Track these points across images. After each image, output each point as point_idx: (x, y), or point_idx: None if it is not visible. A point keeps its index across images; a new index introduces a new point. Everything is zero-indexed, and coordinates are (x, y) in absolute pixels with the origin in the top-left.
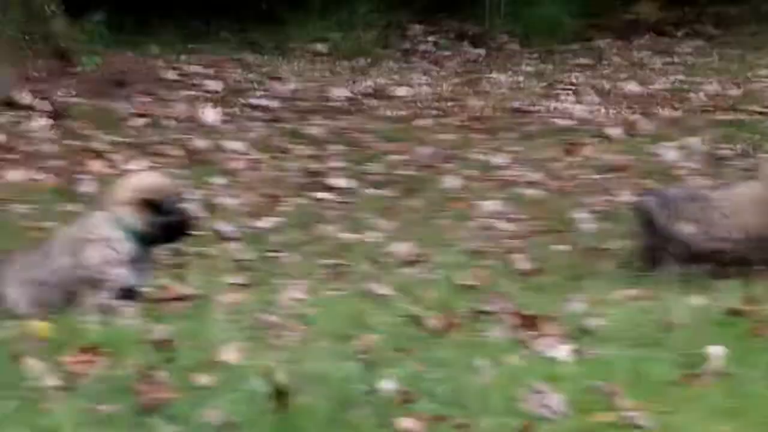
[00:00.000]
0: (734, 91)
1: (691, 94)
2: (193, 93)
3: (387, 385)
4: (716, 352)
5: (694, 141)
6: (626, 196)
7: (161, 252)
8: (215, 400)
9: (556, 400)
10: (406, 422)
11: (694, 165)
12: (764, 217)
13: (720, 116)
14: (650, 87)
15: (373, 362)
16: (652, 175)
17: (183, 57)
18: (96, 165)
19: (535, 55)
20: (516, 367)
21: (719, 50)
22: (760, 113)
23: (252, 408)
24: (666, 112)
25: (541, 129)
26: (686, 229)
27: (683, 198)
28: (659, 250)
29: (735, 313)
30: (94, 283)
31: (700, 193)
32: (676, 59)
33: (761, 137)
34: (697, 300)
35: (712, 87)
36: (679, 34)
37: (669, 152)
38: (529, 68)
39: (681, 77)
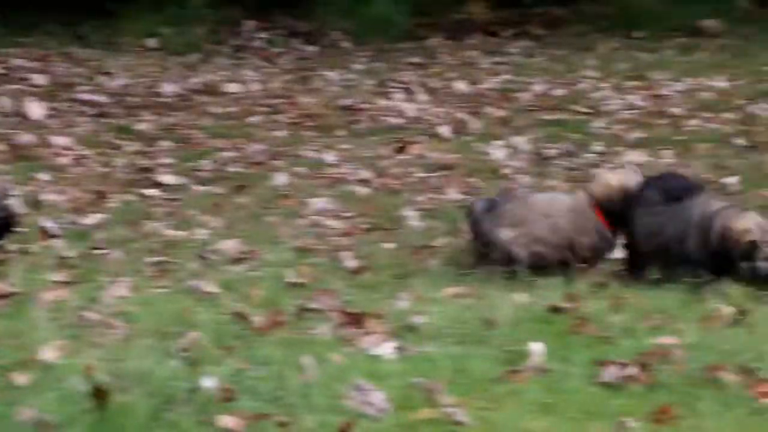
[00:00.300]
0: (560, 91)
1: (519, 94)
2: (18, 87)
3: (209, 383)
4: (537, 348)
5: (520, 140)
6: (453, 194)
7: None
8: (32, 399)
9: (378, 397)
10: (226, 420)
11: (520, 164)
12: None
13: (546, 116)
14: (480, 86)
15: (196, 360)
16: (480, 174)
17: (9, 50)
18: None
19: (368, 53)
20: (340, 365)
21: (546, 51)
22: (585, 113)
23: (70, 407)
24: (494, 112)
25: (372, 127)
26: (505, 234)
27: (506, 202)
28: (483, 252)
29: (556, 310)
30: None
31: (522, 198)
32: (505, 59)
33: (585, 137)
34: (520, 297)
35: (539, 87)
36: (508, 34)
37: (496, 151)
38: (361, 66)
39: (509, 77)
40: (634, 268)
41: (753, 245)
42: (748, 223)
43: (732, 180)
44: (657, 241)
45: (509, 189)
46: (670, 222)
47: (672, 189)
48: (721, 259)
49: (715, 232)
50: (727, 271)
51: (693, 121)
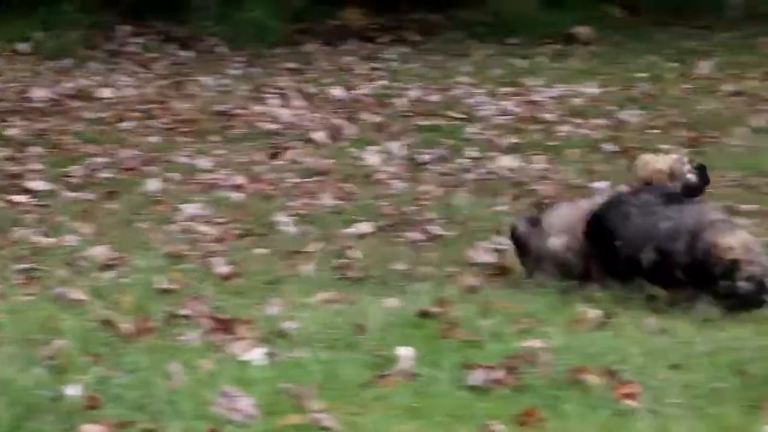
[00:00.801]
0: (435, 97)
1: (394, 100)
2: None
3: (73, 391)
4: (405, 353)
5: (395, 145)
6: (327, 200)
7: None
8: None
9: (245, 403)
10: (90, 428)
11: (395, 169)
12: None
13: (421, 121)
14: (355, 92)
15: (61, 368)
16: (354, 179)
17: None
18: None
19: (243, 59)
20: (208, 371)
21: (422, 56)
22: (459, 119)
23: None
24: (370, 117)
25: (247, 133)
26: (555, 242)
27: (549, 214)
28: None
29: (426, 315)
30: None
31: (563, 206)
32: (381, 65)
33: (459, 142)
34: (390, 303)
35: (415, 93)
36: (385, 40)
37: (371, 156)
38: (236, 71)
39: (385, 82)
40: (605, 274)
41: (734, 264)
42: (733, 241)
43: (602, 185)
44: (647, 239)
45: (545, 203)
46: (665, 220)
47: (671, 192)
48: (703, 272)
49: (703, 244)
50: (706, 284)
51: (564, 127)
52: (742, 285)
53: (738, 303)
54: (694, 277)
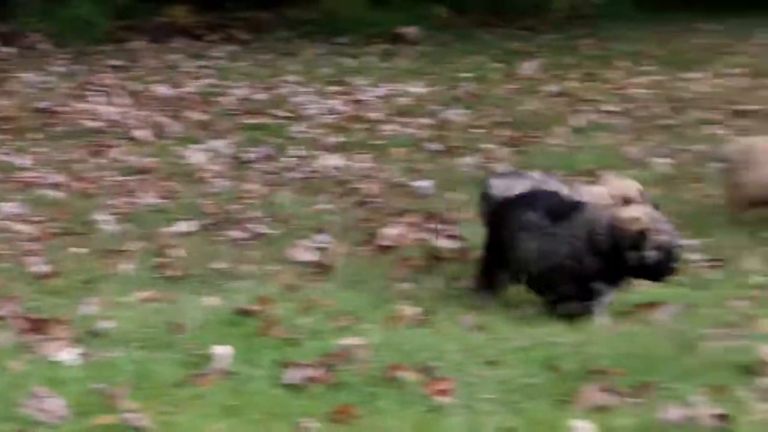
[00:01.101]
0: (262, 96)
1: (221, 98)
2: None
3: None
4: (222, 351)
5: (220, 144)
6: (149, 198)
7: None
8: None
9: (56, 403)
10: None
11: (219, 168)
12: None
13: (247, 120)
14: (181, 90)
15: None
16: (177, 177)
17: None
18: None
19: (67, 56)
20: (19, 373)
21: (251, 55)
22: (286, 117)
23: None
24: (195, 115)
25: (69, 130)
26: None
27: None
28: None
29: (244, 313)
30: None
31: None
32: (209, 63)
33: (285, 141)
34: (209, 301)
35: (242, 91)
36: (213, 38)
37: (195, 154)
38: (60, 68)
39: (212, 81)
40: (486, 286)
41: (642, 234)
42: (636, 212)
43: (425, 183)
44: (549, 263)
45: None
46: (563, 241)
47: (556, 208)
48: (614, 258)
49: (604, 229)
50: (623, 273)
51: (390, 126)
52: (651, 254)
53: (649, 273)
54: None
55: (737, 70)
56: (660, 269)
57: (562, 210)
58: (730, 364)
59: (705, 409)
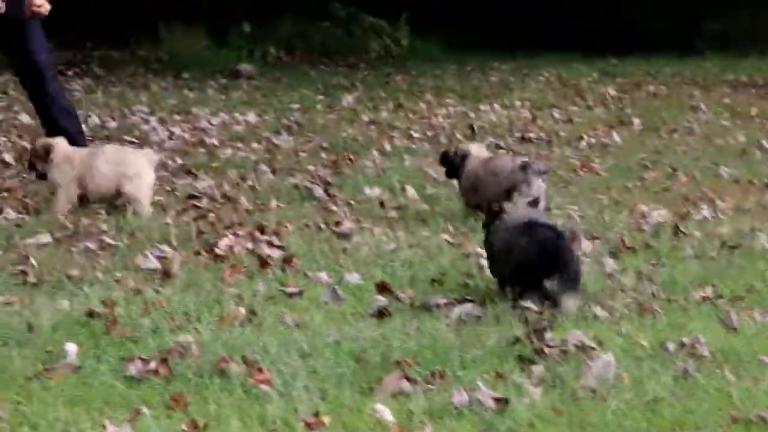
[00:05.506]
0: (113, 123)
1: None
2: None
3: None
4: (72, 348)
5: None
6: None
7: None
8: None
9: None
10: None
11: None
12: None
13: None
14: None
15: None
16: (34, 197)
17: None
18: None
19: None
20: None
21: (104, 88)
22: (134, 143)
23: None
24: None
25: None
26: None
27: None
28: None
29: (92, 314)
30: None
31: None
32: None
33: None
34: (62, 304)
35: (94, 120)
36: (70, 73)
37: None
38: None
39: None
40: None
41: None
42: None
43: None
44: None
45: None
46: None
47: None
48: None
49: None
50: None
51: (227, 150)
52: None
53: None
54: None
55: (522, 104)
56: None
57: None
58: (510, 354)
59: (487, 393)
